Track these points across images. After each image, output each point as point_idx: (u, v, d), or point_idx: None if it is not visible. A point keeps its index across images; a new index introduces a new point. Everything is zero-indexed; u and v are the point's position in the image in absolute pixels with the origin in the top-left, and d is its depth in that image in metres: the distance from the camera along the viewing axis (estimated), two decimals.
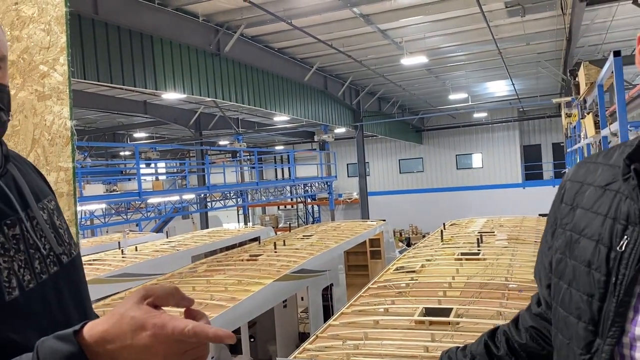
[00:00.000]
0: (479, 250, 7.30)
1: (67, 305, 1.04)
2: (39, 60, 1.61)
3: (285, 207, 29.75)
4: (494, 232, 9.13)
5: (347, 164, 29.91)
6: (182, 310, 0.85)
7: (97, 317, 1.26)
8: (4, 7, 1.62)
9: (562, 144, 21.65)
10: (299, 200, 27.00)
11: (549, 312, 1.08)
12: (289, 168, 24.24)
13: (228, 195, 18.00)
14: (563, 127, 16.95)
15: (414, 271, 6.46)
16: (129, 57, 9.29)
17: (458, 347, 1.25)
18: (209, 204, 17.88)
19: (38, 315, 0.97)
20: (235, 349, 7.92)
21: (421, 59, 13.68)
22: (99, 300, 6.42)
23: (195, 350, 0.79)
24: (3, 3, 1.62)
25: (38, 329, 0.95)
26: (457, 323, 4.34)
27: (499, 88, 21.65)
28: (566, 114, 13.96)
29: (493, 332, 1.22)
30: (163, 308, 0.81)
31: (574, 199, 1.02)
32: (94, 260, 9.62)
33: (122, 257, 9.87)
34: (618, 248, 0.90)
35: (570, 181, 1.07)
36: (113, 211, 13.80)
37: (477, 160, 28.39)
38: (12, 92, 1.63)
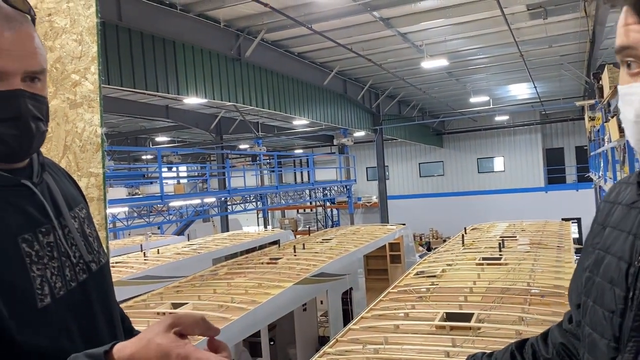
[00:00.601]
0: (500, 255, 7.23)
1: (95, 312, 1.08)
2: (71, 70, 1.66)
3: (304, 210, 29.80)
4: (515, 236, 9.04)
5: (367, 168, 29.84)
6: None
7: (123, 320, 1.31)
8: (37, 18, 1.68)
9: (585, 147, 21.33)
10: (318, 203, 27.03)
11: (578, 330, 1.08)
12: (308, 172, 24.29)
13: (248, 198, 18.11)
14: (586, 130, 16.71)
15: (434, 276, 6.43)
16: (152, 63, 9.44)
17: (484, 353, 1.25)
18: (229, 207, 17.99)
19: (67, 321, 1.00)
20: (256, 351, 7.96)
21: (442, 62, 13.61)
22: (121, 302, 6.52)
23: None
24: (37, 14, 1.68)
25: (67, 334, 0.99)
26: (479, 328, 4.31)
27: (521, 91, 21.41)
28: (589, 117, 13.76)
29: (522, 344, 1.21)
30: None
31: (605, 219, 1.03)
32: (116, 262, 9.76)
33: (145, 259, 10.00)
34: (636, 263, 0.90)
35: (604, 202, 1.08)
36: (135, 214, 13.98)
37: (498, 163, 28.09)
38: None
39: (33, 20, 1.04)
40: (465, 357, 1.26)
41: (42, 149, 1.70)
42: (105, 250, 1.75)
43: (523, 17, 11.52)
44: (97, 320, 1.08)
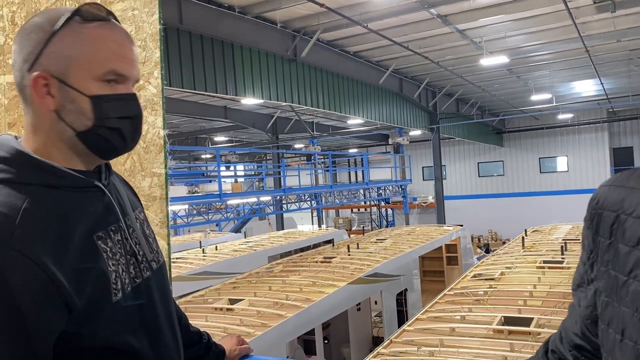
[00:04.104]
0: (562, 258, 6.97)
1: (156, 307, 1.14)
2: None
3: (358, 210, 29.74)
4: (579, 239, 8.67)
5: (423, 167, 29.42)
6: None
7: (180, 318, 1.36)
8: None
9: None
10: (372, 203, 26.90)
11: (590, 337, 0.99)
12: (362, 171, 24.22)
13: (303, 197, 18.27)
14: None
15: (492, 279, 6.27)
16: (211, 64, 9.69)
17: None
18: (284, 205, 18.23)
19: (132, 316, 1.06)
20: (310, 349, 8.03)
21: (501, 59, 13.24)
22: (181, 297, 6.74)
23: None
24: None
25: (131, 328, 1.05)
26: (538, 333, 4.18)
27: (586, 88, 20.49)
28: None
29: (546, 349, 1.13)
30: None
31: (611, 232, 0.91)
32: (176, 258, 10.09)
33: (203, 255, 10.28)
34: None
35: (605, 210, 0.94)
36: (195, 212, 14.41)
37: (562, 163, 27.00)
38: None
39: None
40: None
41: None
42: (162, 251, 1.83)
43: (589, 11, 11.02)
44: (157, 314, 1.13)
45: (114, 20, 1.09)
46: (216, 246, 11.44)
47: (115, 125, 1.06)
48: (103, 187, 1.10)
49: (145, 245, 1.16)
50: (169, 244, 1.72)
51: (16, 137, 1.07)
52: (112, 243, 1.06)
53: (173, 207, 13.54)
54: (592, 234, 0.97)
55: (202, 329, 1.45)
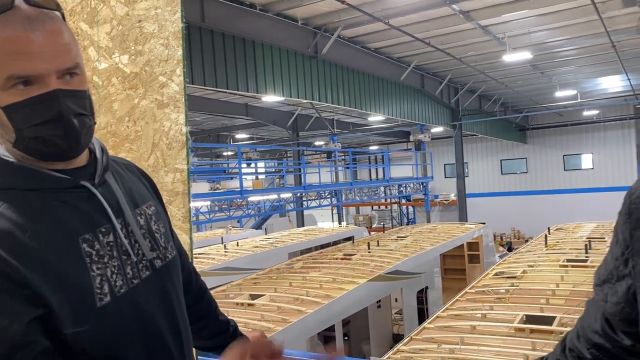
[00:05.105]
0: (586, 257, 6.87)
1: (156, 309, 1.09)
2: (159, 72, 1.78)
3: (379, 207, 29.64)
4: (604, 238, 8.53)
5: (445, 164, 29.17)
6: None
7: (209, 306, 1.36)
8: (129, 24, 1.81)
9: None
10: (393, 200, 26.79)
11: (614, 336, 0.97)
12: (383, 168, 24.13)
13: (323, 194, 18.30)
14: None
15: (514, 277, 6.21)
16: (233, 62, 9.76)
17: (541, 358, 1.18)
18: (304, 202, 18.28)
19: (127, 319, 1.02)
20: (330, 345, 8.05)
21: (525, 55, 13.05)
22: None
23: None
24: (128, 21, 1.81)
25: (127, 332, 1.01)
26: (561, 332, 4.12)
27: (613, 84, 20.06)
28: None
29: (564, 347, 1.11)
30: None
31: None
32: (199, 253, 10.20)
33: (225, 251, 10.38)
34: None
35: None
36: (217, 208, 14.55)
37: (587, 160, 26.50)
38: (135, 101, 1.82)
39: (62, 15, 1.01)
40: None
41: (133, 146, 1.84)
42: (185, 245, 1.85)
43: (615, 5, 10.79)
44: (157, 317, 1.08)
45: (20, 4, 0.94)
46: (237, 242, 11.54)
47: (35, 134, 0.96)
48: (92, 186, 1.05)
49: (144, 244, 1.10)
50: (191, 239, 1.76)
51: None
52: (99, 245, 1.01)
53: (195, 204, 13.70)
54: (630, 229, 0.94)
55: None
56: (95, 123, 1.06)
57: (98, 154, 1.11)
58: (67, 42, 0.98)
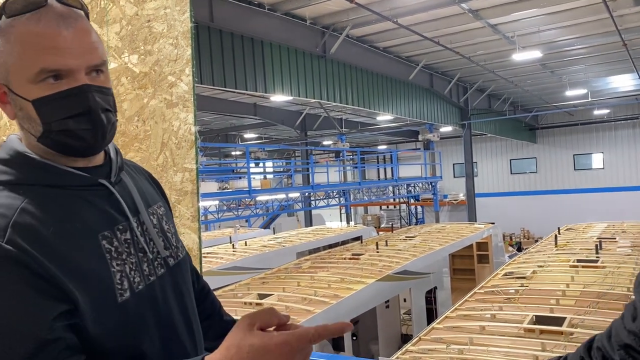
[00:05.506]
0: (597, 257, 6.81)
1: (171, 305, 1.10)
2: (168, 72, 1.78)
3: (387, 207, 29.58)
4: (615, 238, 8.47)
5: (453, 164, 29.05)
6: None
7: (214, 307, 1.36)
8: (138, 24, 1.82)
9: None
10: (401, 200, 26.72)
11: None
12: (391, 168, 24.09)
13: (331, 194, 18.30)
14: None
15: (524, 277, 6.18)
16: (241, 62, 9.78)
17: (560, 357, 1.17)
18: (312, 202, 18.29)
19: (146, 315, 1.03)
20: (338, 346, 8.04)
21: (535, 54, 12.97)
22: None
23: (309, 351, 0.85)
24: (138, 21, 1.81)
25: (145, 328, 1.02)
26: (571, 333, 4.09)
27: (624, 82, 19.90)
28: None
29: (589, 346, 1.10)
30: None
31: None
32: (207, 253, 10.23)
33: (233, 251, 10.40)
34: None
35: None
36: (225, 207, 14.59)
37: (597, 160, 26.29)
38: (144, 101, 1.82)
39: (87, 15, 1.05)
40: None
41: (142, 146, 1.85)
42: (193, 244, 1.86)
43: (626, 3, 10.70)
44: (173, 314, 1.10)
45: (52, 2, 0.98)
46: (246, 242, 11.56)
47: (64, 127, 0.98)
48: (109, 184, 1.07)
49: (159, 242, 1.12)
50: (199, 238, 1.76)
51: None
52: (117, 242, 1.02)
53: (204, 203, 13.74)
54: None
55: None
56: (117, 121, 1.09)
57: (112, 154, 1.13)
58: (95, 40, 1.02)
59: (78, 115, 0.98)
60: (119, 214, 1.06)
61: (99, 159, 1.09)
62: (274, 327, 0.85)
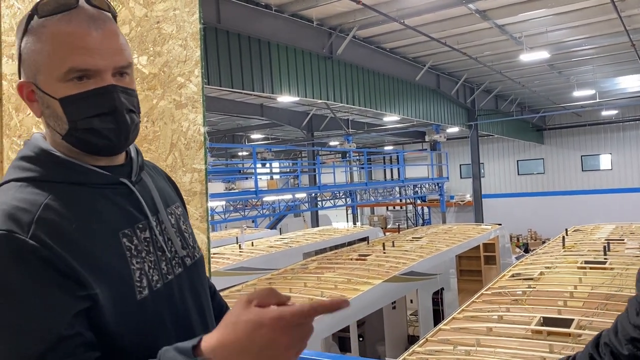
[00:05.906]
0: (605, 258, 6.77)
1: (188, 304, 1.11)
2: (177, 73, 1.80)
3: (394, 208, 29.53)
4: (623, 239, 8.41)
5: (460, 165, 28.96)
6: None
7: (221, 309, 1.37)
8: (147, 25, 1.83)
9: None
10: (408, 201, 26.67)
11: None
12: (398, 169, 24.05)
13: (337, 195, 18.29)
14: None
15: (531, 278, 6.15)
16: (248, 63, 9.80)
17: (569, 357, 1.17)
18: (319, 203, 18.29)
19: (163, 314, 1.04)
20: (344, 346, 8.04)
21: (542, 55, 12.92)
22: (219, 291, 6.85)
23: (308, 330, 0.83)
24: (147, 22, 1.83)
25: (162, 326, 1.04)
26: (579, 335, 4.08)
27: (632, 83, 19.77)
28: None
29: (597, 343, 1.11)
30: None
31: None
32: (214, 253, 10.25)
33: (240, 251, 10.41)
34: None
35: None
36: (232, 208, 14.61)
37: (605, 161, 26.12)
38: (153, 102, 1.83)
39: (115, 18, 1.08)
40: None
41: (151, 147, 1.86)
42: (202, 245, 1.86)
43: (635, 3, 10.63)
44: (189, 312, 1.11)
45: (83, 4, 1.01)
46: (252, 242, 11.57)
47: (89, 126, 1.01)
48: (130, 184, 1.08)
49: (177, 242, 1.13)
50: (208, 238, 1.77)
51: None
52: (137, 241, 1.04)
53: (210, 204, 13.75)
54: None
55: None
56: (140, 122, 1.11)
57: (133, 154, 1.15)
58: (123, 43, 1.05)
59: (103, 114, 1.01)
60: (139, 212, 1.07)
61: (120, 158, 1.11)
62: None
